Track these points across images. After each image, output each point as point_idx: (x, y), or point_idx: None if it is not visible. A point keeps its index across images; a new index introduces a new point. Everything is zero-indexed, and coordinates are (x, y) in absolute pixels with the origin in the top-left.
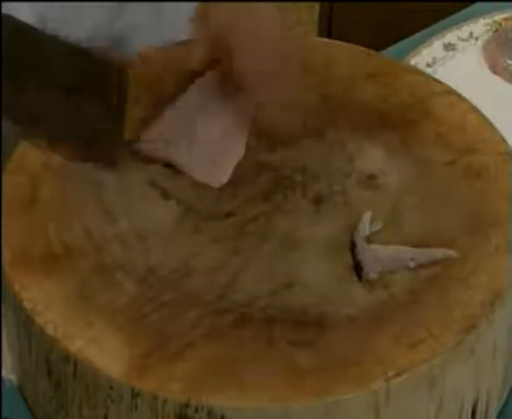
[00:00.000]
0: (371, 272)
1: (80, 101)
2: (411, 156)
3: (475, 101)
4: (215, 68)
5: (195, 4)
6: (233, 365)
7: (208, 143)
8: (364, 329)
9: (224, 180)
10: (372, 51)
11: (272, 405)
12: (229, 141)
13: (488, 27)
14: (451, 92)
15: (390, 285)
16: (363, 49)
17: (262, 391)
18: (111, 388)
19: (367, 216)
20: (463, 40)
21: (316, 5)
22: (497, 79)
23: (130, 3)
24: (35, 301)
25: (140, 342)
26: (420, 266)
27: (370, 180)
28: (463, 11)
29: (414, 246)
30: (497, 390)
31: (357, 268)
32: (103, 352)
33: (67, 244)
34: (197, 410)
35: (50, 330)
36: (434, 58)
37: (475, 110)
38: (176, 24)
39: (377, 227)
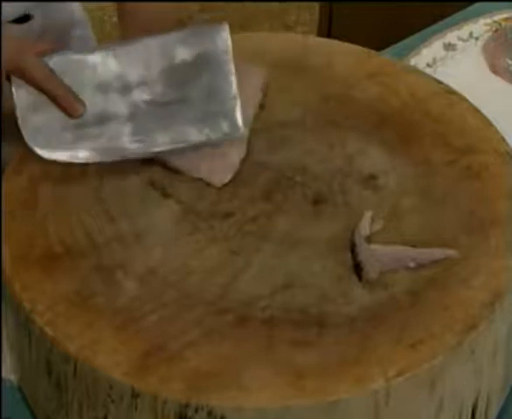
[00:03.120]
0: (371, 272)
1: None
2: (411, 156)
3: (475, 101)
4: None
5: None
6: (233, 365)
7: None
8: (364, 329)
9: (226, 179)
10: (372, 51)
11: (272, 405)
12: (230, 142)
13: (488, 27)
14: (451, 92)
15: (390, 286)
16: (363, 49)
17: (262, 391)
18: (111, 388)
19: (367, 215)
20: (463, 40)
21: (316, 5)
22: (497, 79)
23: None
24: (35, 301)
25: (140, 342)
26: (420, 266)
27: (370, 180)
28: (463, 11)
29: (414, 246)
30: (497, 390)
31: (357, 268)
32: (103, 352)
33: (67, 244)
34: (196, 410)
35: (50, 330)
36: (434, 58)
37: (475, 110)
38: None
39: (377, 227)
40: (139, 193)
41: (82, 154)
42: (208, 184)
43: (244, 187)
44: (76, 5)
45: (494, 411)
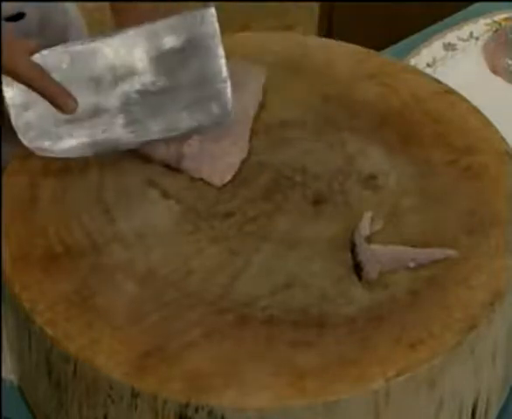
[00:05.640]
0: (371, 272)
1: None
2: (411, 156)
3: (475, 101)
4: None
5: None
6: (233, 365)
7: (211, 143)
8: (364, 329)
9: (226, 179)
10: (372, 51)
11: (272, 405)
12: (232, 141)
13: (488, 27)
14: (451, 92)
15: (390, 285)
16: (363, 49)
17: (262, 391)
18: (111, 388)
19: (367, 216)
20: (463, 40)
21: (316, 5)
22: (497, 79)
23: None
24: (35, 301)
25: (140, 342)
26: (420, 266)
27: (370, 180)
28: (463, 11)
29: (414, 246)
30: (497, 390)
31: (357, 268)
32: (103, 352)
33: (67, 244)
34: (197, 410)
35: (50, 330)
36: (434, 58)
37: (475, 110)
38: None
39: (377, 227)
40: (139, 193)
41: (76, 149)
42: (208, 184)
43: (244, 187)
44: (70, 5)
45: (494, 411)
